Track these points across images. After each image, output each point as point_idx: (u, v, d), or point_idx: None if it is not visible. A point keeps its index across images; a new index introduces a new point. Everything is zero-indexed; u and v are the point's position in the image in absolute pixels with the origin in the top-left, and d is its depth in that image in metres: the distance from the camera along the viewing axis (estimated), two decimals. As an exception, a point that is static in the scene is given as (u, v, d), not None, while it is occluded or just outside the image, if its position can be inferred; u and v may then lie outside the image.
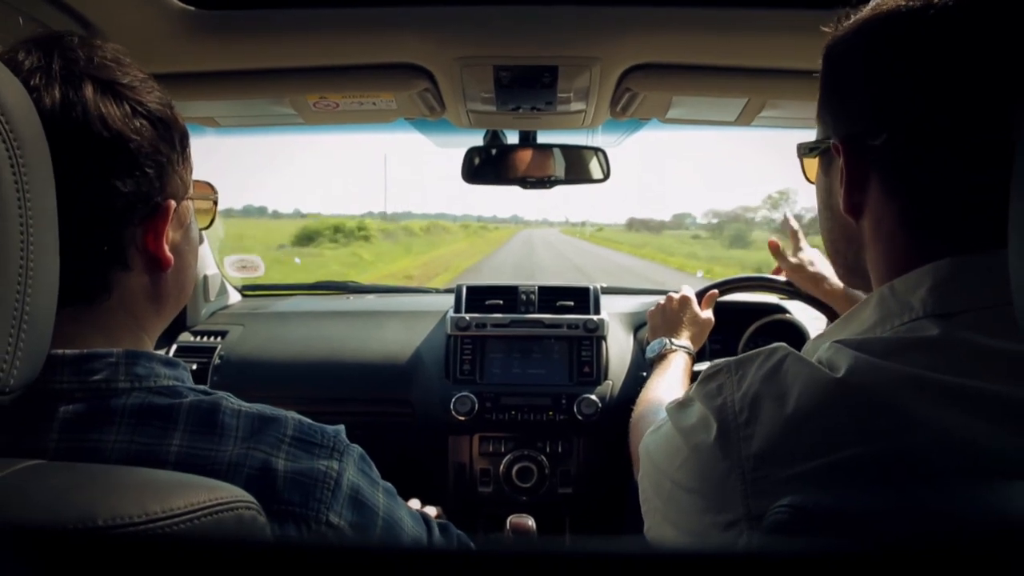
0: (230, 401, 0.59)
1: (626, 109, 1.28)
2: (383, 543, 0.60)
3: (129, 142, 0.57)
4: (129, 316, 0.61)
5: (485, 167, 1.53)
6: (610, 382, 1.58)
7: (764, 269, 1.50)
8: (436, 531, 0.74)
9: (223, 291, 1.92)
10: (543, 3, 0.98)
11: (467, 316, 1.62)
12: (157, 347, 0.66)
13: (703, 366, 0.92)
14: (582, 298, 1.69)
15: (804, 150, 0.67)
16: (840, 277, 0.71)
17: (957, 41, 0.51)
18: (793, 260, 1.28)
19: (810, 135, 0.66)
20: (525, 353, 1.61)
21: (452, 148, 1.60)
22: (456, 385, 1.56)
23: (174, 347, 1.67)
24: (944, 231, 0.54)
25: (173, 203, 0.62)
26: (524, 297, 1.68)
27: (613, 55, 1.09)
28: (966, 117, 0.52)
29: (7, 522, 0.40)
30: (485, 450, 1.57)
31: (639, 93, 1.19)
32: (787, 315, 1.63)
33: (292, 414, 0.61)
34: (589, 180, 1.57)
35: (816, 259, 1.27)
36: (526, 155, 1.52)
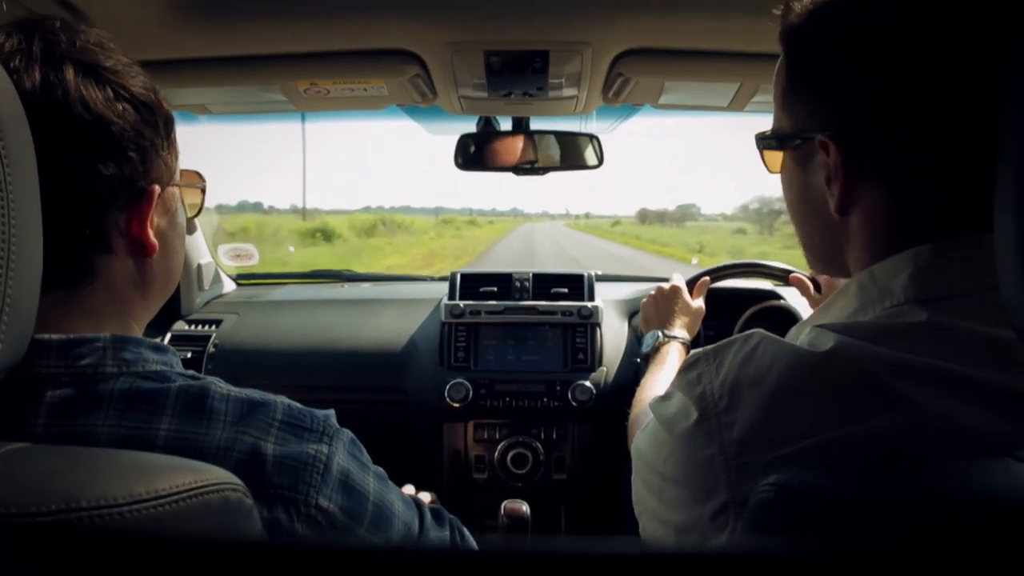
0: (219, 386, 0.59)
1: (618, 95, 1.27)
2: (378, 542, 0.61)
3: (111, 125, 0.56)
4: (115, 301, 0.61)
5: (478, 154, 1.52)
6: (604, 369, 1.58)
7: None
8: (428, 516, 0.74)
9: (217, 280, 1.92)
10: None
11: (461, 303, 1.62)
12: (152, 335, 0.66)
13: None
14: (576, 285, 1.69)
15: (769, 143, 0.63)
16: (813, 266, 0.69)
17: (944, 23, 0.50)
18: (817, 296, 1.29)
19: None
20: (519, 340, 1.61)
21: (445, 135, 1.60)
22: (450, 372, 1.57)
23: (168, 335, 1.67)
24: (926, 217, 0.54)
25: (157, 188, 0.61)
26: (518, 284, 1.68)
27: (604, 40, 1.08)
28: (954, 102, 0.51)
29: None
30: (480, 437, 1.57)
31: (631, 78, 1.18)
32: (781, 301, 1.63)
33: (281, 398, 0.61)
34: (583, 166, 1.56)
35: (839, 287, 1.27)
36: (519, 141, 1.51)
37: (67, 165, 0.55)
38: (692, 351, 0.62)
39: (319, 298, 1.87)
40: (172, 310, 1.74)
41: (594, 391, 1.52)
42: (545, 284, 1.69)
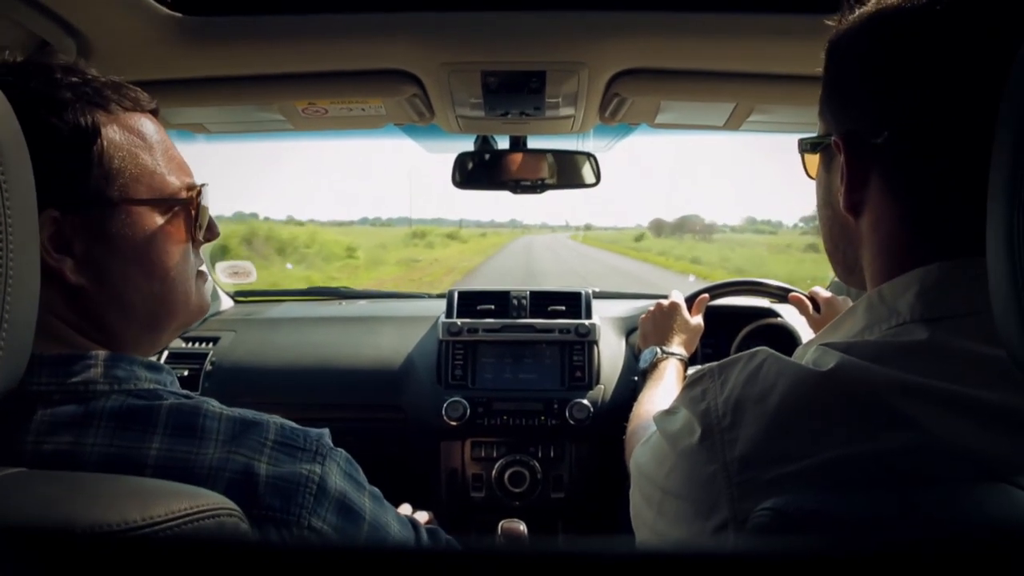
0: (211, 405, 0.59)
1: (615, 114, 1.28)
2: (368, 543, 0.60)
3: None
4: (61, 331, 0.60)
5: (476, 172, 1.53)
6: (602, 387, 1.57)
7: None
8: (424, 536, 0.73)
9: (215, 297, 1.92)
10: (528, 8, 0.98)
11: (459, 321, 1.62)
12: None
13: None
14: (574, 303, 1.69)
15: (805, 145, 0.66)
16: (839, 276, 0.70)
17: (961, 40, 0.51)
18: (816, 316, 1.31)
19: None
20: (517, 358, 1.61)
21: (442, 153, 1.61)
22: (448, 390, 1.56)
23: (165, 353, 1.67)
24: (938, 235, 0.54)
25: (53, 212, 0.57)
26: (516, 302, 1.68)
27: (600, 60, 1.09)
28: (966, 119, 0.51)
29: None
30: (477, 455, 1.56)
31: (627, 98, 1.19)
32: (779, 319, 1.63)
33: (275, 418, 0.61)
34: (581, 184, 1.57)
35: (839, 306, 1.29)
36: (517, 159, 1.52)
37: None
38: (695, 367, 0.62)
39: (317, 316, 1.87)
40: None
41: (592, 409, 1.52)
42: (542, 302, 1.69)
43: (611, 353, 1.64)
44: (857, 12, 0.58)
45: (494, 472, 1.54)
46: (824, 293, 1.32)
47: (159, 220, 0.63)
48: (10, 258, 0.45)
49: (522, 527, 1.17)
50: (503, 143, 1.55)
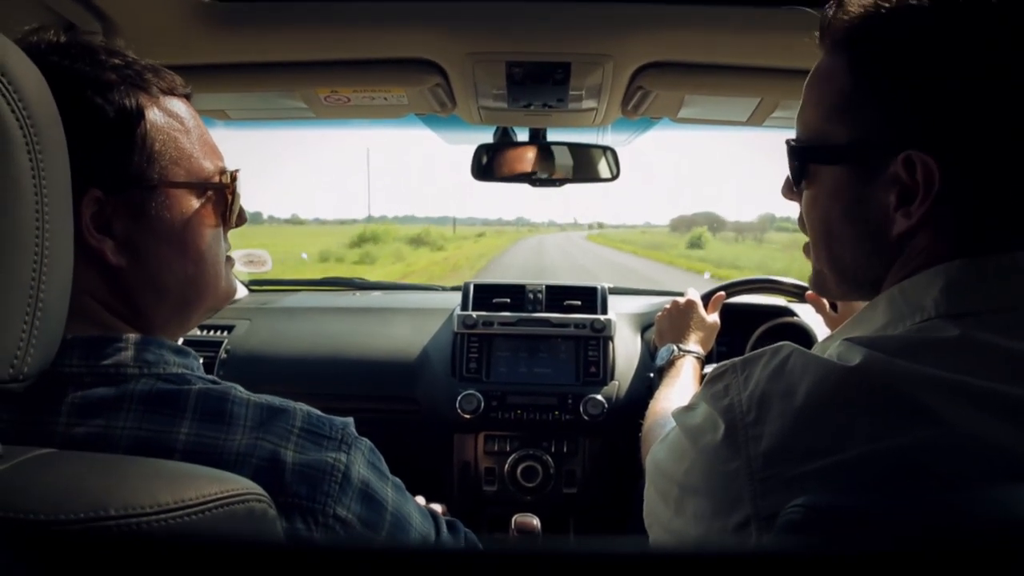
0: (239, 391, 0.59)
1: (638, 108, 1.27)
2: (392, 543, 0.60)
3: None
4: (91, 309, 0.60)
5: (494, 164, 1.53)
6: (616, 383, 1.57)
7: None
8: (444, 528, 0.73)
9: (231, 285, 1.93)
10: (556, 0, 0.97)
11: (474, 314, 1.62)
12: None
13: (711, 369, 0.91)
14: (589, 298, 1.68)
15: (819, 155, 0.60)
16: (836, 287, 0.65)
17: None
18: (832, 314, 1.26)
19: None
20: (532, 352, 1.61)
21: (462, 144, 1.60)
22: (462, 383, 1.56)
23: (180, 340, 1.67)
24: (966, 235, 0.53)
25: (96, 192, 0.57)
26: (531, 296, 1.68)
27: (625, 52, 1.08)
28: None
29: (18, 511, 0.39)
30: (490, 449, 1.56)
31: (651, 91, 1.18)
32: (795, 318, 1.62)
33: (301, 405, 0.61)
34: (598, 179, 1.57)
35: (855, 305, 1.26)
36: (536, 152, 1.52)
37: None
38: (712, 365, 0.61)
39: (331, 306, 1.87)
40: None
41: (606, 405, 1.51)
42: (558, 296, 1.68)
43: (626, 349, 1.64)
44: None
45: (507, 466, 1.54)
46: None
47: (195, 203, 0.64)
48: (46, 242, 0.45)
49: (535, 521, 1.16)
50: (522, 136, 1.54)
